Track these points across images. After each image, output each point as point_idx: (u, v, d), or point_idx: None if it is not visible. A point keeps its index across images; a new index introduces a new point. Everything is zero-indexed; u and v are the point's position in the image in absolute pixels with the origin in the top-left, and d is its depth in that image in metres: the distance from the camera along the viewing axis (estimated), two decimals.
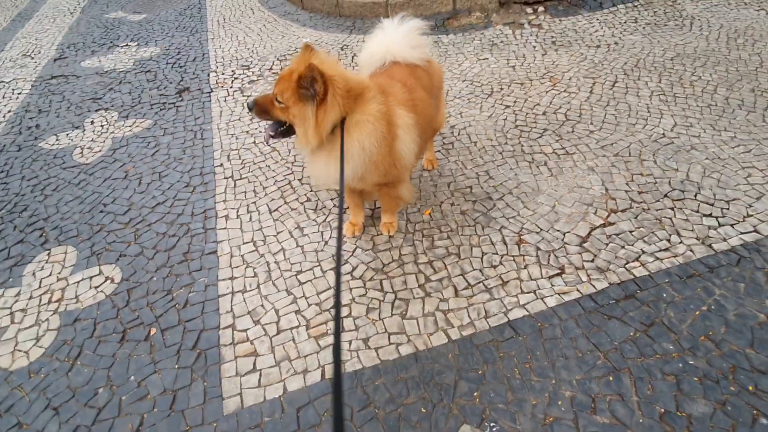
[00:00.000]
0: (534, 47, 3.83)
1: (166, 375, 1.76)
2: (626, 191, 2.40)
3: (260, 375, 1.73)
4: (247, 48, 4.20)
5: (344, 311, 1.92)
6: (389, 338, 1.82)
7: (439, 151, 2.78)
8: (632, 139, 2.76)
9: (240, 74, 3.77)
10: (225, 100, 3.43)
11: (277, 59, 3.93)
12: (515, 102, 3.16)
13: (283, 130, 1.81)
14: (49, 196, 2.66)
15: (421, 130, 1.97)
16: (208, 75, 3.79)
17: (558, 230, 2.21)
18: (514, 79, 3.42)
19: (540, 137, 2.83)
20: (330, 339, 1.82)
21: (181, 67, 3.98)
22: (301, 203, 2.46)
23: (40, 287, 2.15)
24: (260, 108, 1.77)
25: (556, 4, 4.42)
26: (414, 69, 2.08)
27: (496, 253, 2.13)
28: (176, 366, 1.79)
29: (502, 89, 3.31)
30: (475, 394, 1.63)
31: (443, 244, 2.19)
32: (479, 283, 2.00)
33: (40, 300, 2.09)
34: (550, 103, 3.12)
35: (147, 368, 1.78)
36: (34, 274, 2.22)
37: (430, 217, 2.34)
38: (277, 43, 4.23)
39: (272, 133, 1.83)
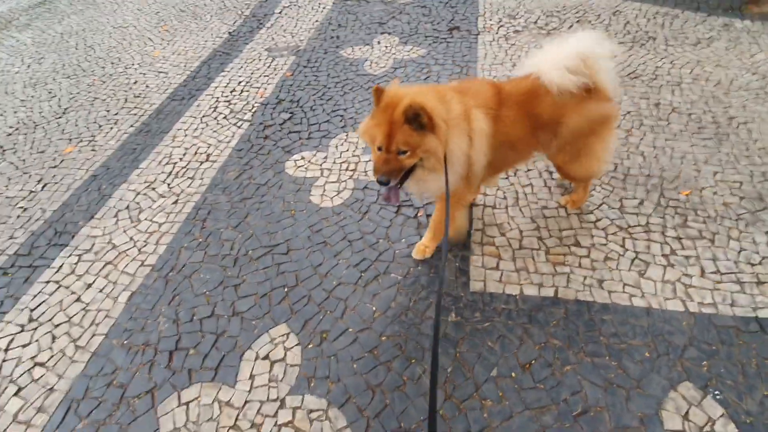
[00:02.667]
0: None
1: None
2: None
3: (501, 274, 2.10)
4: None
5: (583, 251, 2.15)
6: (623, 287, 1.99)
7: (711, 138, 2.64)
8: None
9: (506, 23, 4.02)
10: (490, 44, 3.74)
11: (544, 14, 4.03)
12: None
13: (398, 184, 1.77)
14: (347, 93, 3.40)
15: (497, 146, 1.88)
16: (476, 18, 4.13)
17: None
18: None
19: None
20: (565, 269, 2.08)
21: (452, 7, 4.39)
22: None
23: (340, 157, 2.87)
24: (391, 171, 1.69)
25: None
26: (537, 93, 1.84)
27: (757, 253, 2.04)
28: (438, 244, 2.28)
29: None
30: (704, 363, 1.72)
31: (697, 226, 2.19)
32: (731, 273, 1.99)
33: (340, 166, 2.81)
34: None
35: (414, 237, 2.32)
36: (336, 147, 2.96)
37: (687, 198, 2.32)
38: None
39: (391, 194, 1.82)
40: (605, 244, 2.16)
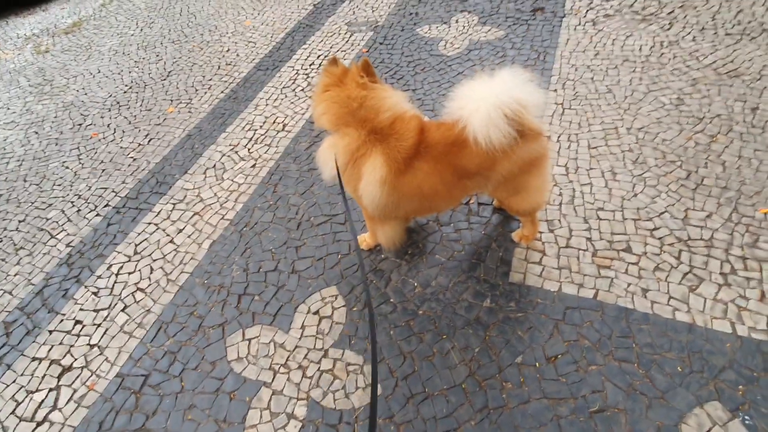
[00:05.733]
0: None
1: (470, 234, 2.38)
2: None
3: (543, 269, 2.16)
4: None
5: (633, 258, 2.12)
6: (669, 300, 1.96)
7: None
8: None
9: (597, 5, 3.78)
10: (575, 29, 3.57)
11: None
12: None
13: None
14: (417, 74, 3.48)
15: (404, 196, 1.87)
16: None
17: None
18: None
19: None
20: (609, 273, 2.08)
21: None
22: (622, 151, 2.59)
23: None
24: None
25: None
26: (463, 144, 1.72)
27: None
28: (484, 233, 2.37)
29: None
30: (740, 387, 1.69)
31: None
32: None
33: None
34: None
35: (463, 224, 2.43)
36: None
37: (764, 216, 2.16)
38: None
39: None
40: (658, 254, 2.11)
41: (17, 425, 1.96)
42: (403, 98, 1.86)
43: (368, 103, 1.77)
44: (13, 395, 2.06)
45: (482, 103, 1.62)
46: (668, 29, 3.42)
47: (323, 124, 1.88)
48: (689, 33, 3.35)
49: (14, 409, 2.01)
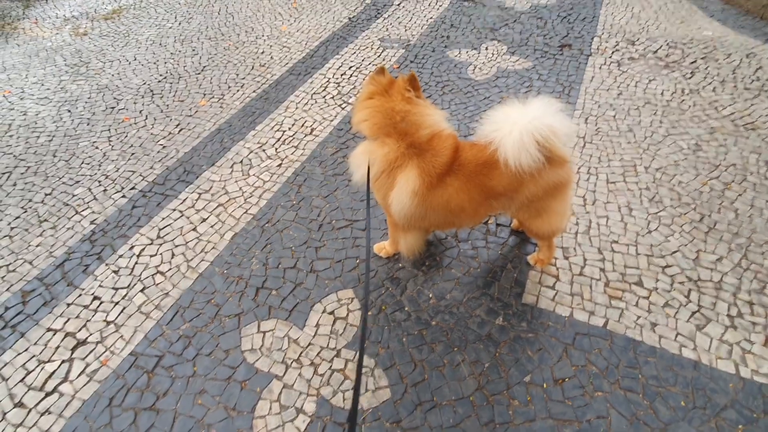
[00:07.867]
0: None
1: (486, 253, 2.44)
2: None
3: (556, 293, 2.22)
4: (638, 23, 4.23)
5: (644, 292, 2.19)
6: (676, 336, 2.02)
7: None
8: None
9: (623, 47, 3.92)
10: (600, 68, 3.70)
11: (667, 44, 3.86)
12: None
13: None
14: (445, 95, 3.60)
15: (432, 208, 1.94)
16: (592, 38, 4.07)
17: None
18: None
19: None
20: (620, 304, 2.14)
21: (569, 23, 4.36)
22: (639, 189, 2.68)
23: None
24: None
25: None
26: (494, 165, 1.82)
27: None
28: (500, 253, 2.44)
29: None
30: (740, 426, 1.74)
31: None
32: None
33: None
34: None
35: (480, 241, 2.50)
36: None
37: None
38: (672, 27, 4.10)
39: None
40: (669, 291, 2.18)
41: (25, 393, 1.99)
42: (443, 117, 1.95)
43: (411, 118, 1.86)
44: (24, 363, 2.09)
45: (515, 127, 1.72)
46: (690, 78, 3.55)
47: (363, 129, 1.96)
48: (710, 83, 3.48)
49: (24, 377, 2.04)
